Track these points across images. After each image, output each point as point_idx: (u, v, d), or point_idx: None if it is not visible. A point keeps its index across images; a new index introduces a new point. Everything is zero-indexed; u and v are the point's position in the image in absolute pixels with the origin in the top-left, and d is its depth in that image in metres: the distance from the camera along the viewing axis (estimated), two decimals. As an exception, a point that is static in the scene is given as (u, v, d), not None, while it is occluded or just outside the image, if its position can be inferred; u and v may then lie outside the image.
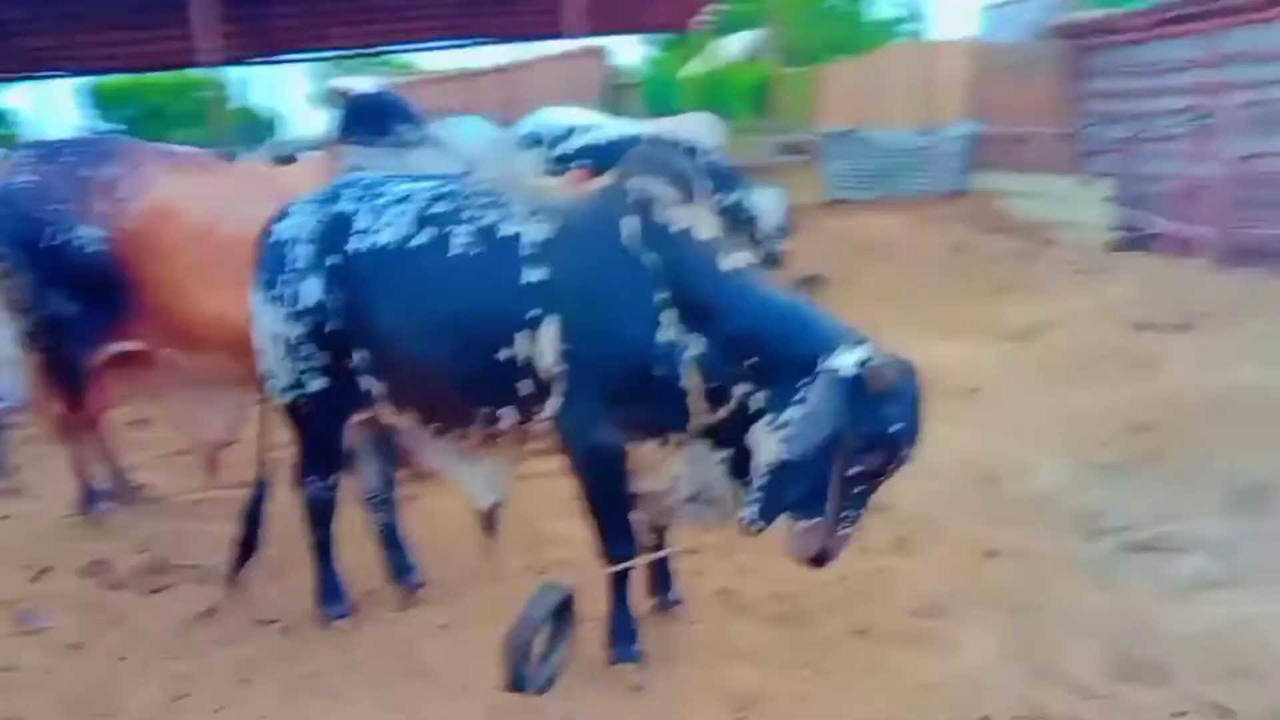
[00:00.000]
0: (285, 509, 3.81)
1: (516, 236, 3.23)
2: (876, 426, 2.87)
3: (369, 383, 3.45)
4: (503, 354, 3.18)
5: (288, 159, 5.11)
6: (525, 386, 3.21)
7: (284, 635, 3.70)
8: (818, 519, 2.94)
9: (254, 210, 4.40)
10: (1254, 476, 4.59)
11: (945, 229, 11.02)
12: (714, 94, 20.93)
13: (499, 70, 19.91)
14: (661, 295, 3.09)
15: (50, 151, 4.60)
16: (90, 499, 4.79)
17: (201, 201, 4.50)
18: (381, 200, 3.44)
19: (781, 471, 2.96)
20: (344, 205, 3.46)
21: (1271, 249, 8.61)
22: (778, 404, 2.98)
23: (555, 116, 8.86)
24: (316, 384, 3.50)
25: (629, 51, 28.73)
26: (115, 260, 4.44)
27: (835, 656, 3.34)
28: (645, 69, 29.24)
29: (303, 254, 3.45)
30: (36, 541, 4.50)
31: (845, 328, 3.00)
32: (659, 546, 3.52)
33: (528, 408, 3.25)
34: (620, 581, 3.34)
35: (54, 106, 26.15)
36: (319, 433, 3.64)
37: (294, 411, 3.60)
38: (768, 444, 2.99)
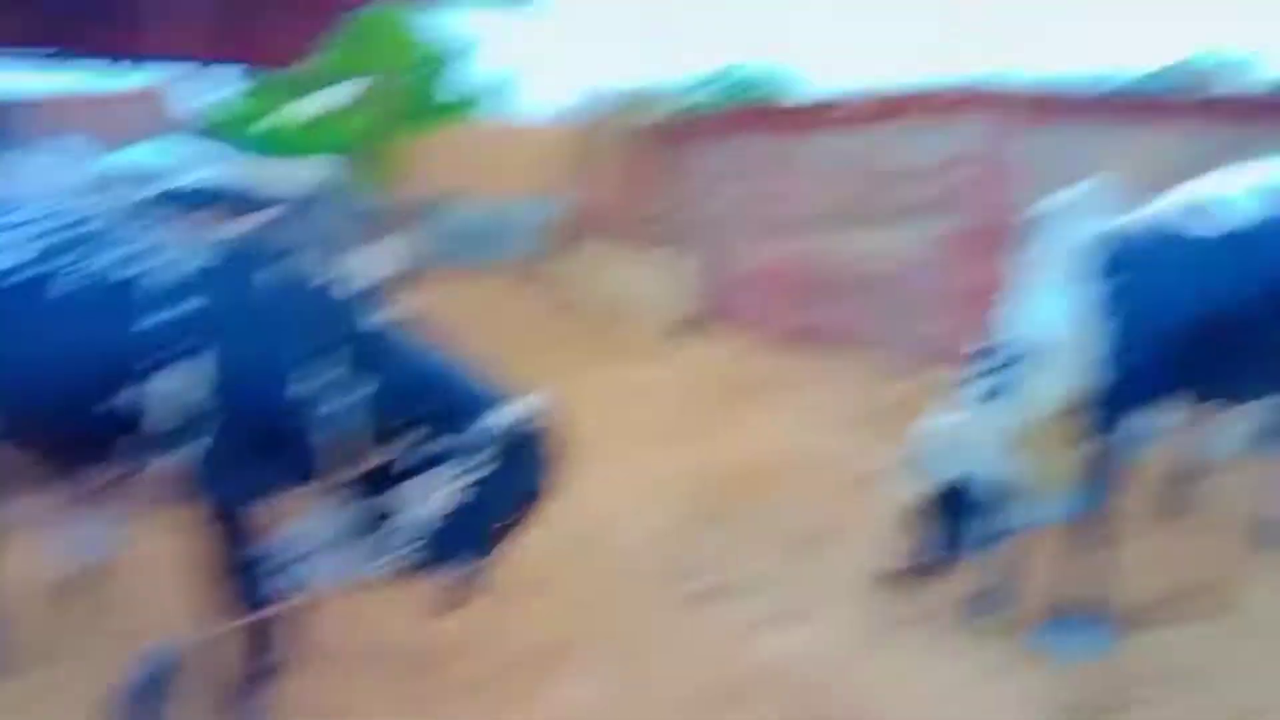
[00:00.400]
0: None
1: (144, 278, 3.11)
2: (531, 479, 3.12)
3: None
4: (120, 400, 3.04)
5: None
6: (144, 432, 3.08)
7: None
8: (471, 565, 3.12)
9: None
10: (803, 526, 5.30)
11: (536, 299, 11.61)
12: (305, 142, 20.47)
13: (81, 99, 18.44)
14: (308, 346, 3.12)
15: None
16: None
17: None
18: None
19: (451, 520, 3.11)
20: None
21: (808, 332, 9.92)
22: (442, 456, 3.13)
23: (149, 152, 8.38)
24: None
25: (215, 88, 27.53)
26: None
27: (456, 705, 3.46)
28: (229, 109, 28.11)
29: None
30: None
31: (494, 383, 3.21)
32: (270, 603, 3.48)
33: (141, 457, 3.12)
34: (245, 639, 3.27)
35: None
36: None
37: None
38: (433, 495, 3.12)
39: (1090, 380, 4.19)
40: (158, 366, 3.02)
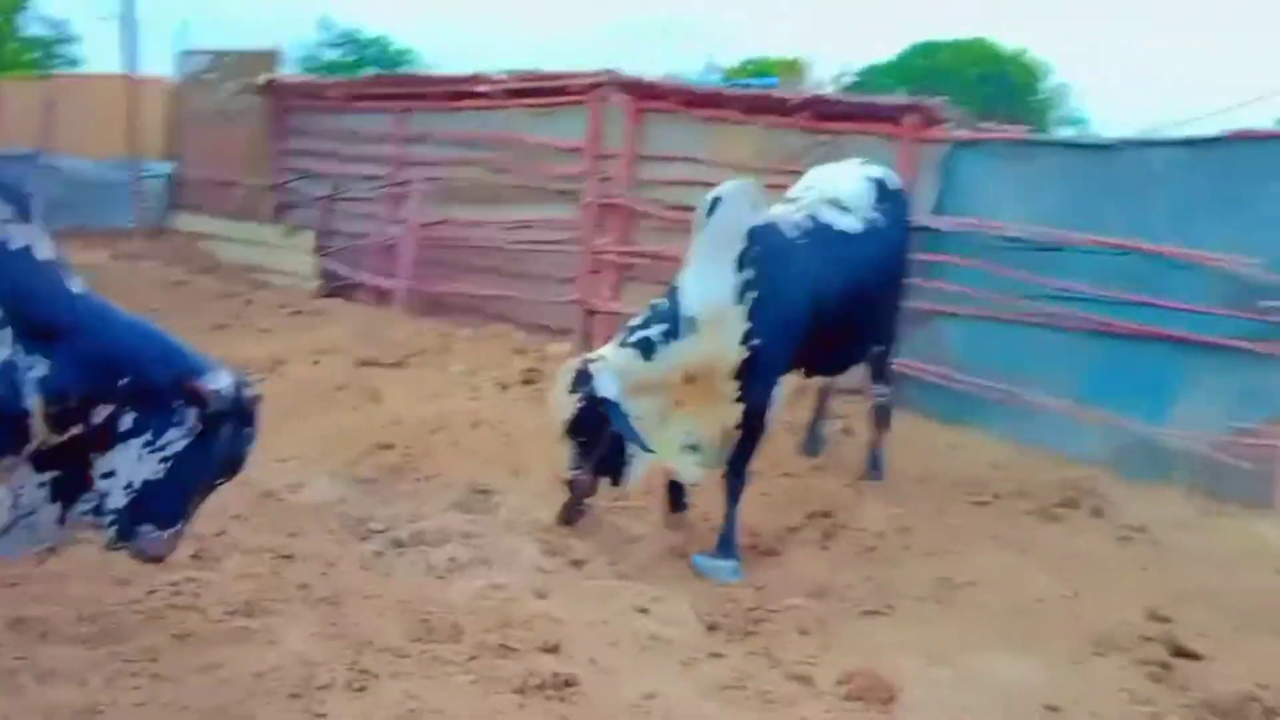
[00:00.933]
0: None
1: None
2: (241, 444, 3.18)
3: None
4: None
5: None
6: None
7: None
8: (177, 526, 3.13)
9: None
10: (472, 481, 5.60)
11: (155, 267, 10.93)
12: None
13: None
14: None
15: None
16: None
17: None
18: None
19: (157, 488, 3.10)
20: None
21: (449, 302, 10.19)
22: (149, 424, 3.10)
23: None
24: None
25: None
26: None
27: (163, 663, 3.43)
28: None
29: None
30: None
31: (196, 351, 3.22)
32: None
33: None
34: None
35: None
36: None
37: None
38: (140, 463, 3.09)
39: (736, 352, 4.84)
40: None
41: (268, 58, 13.37)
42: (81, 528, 3.24)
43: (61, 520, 3.22)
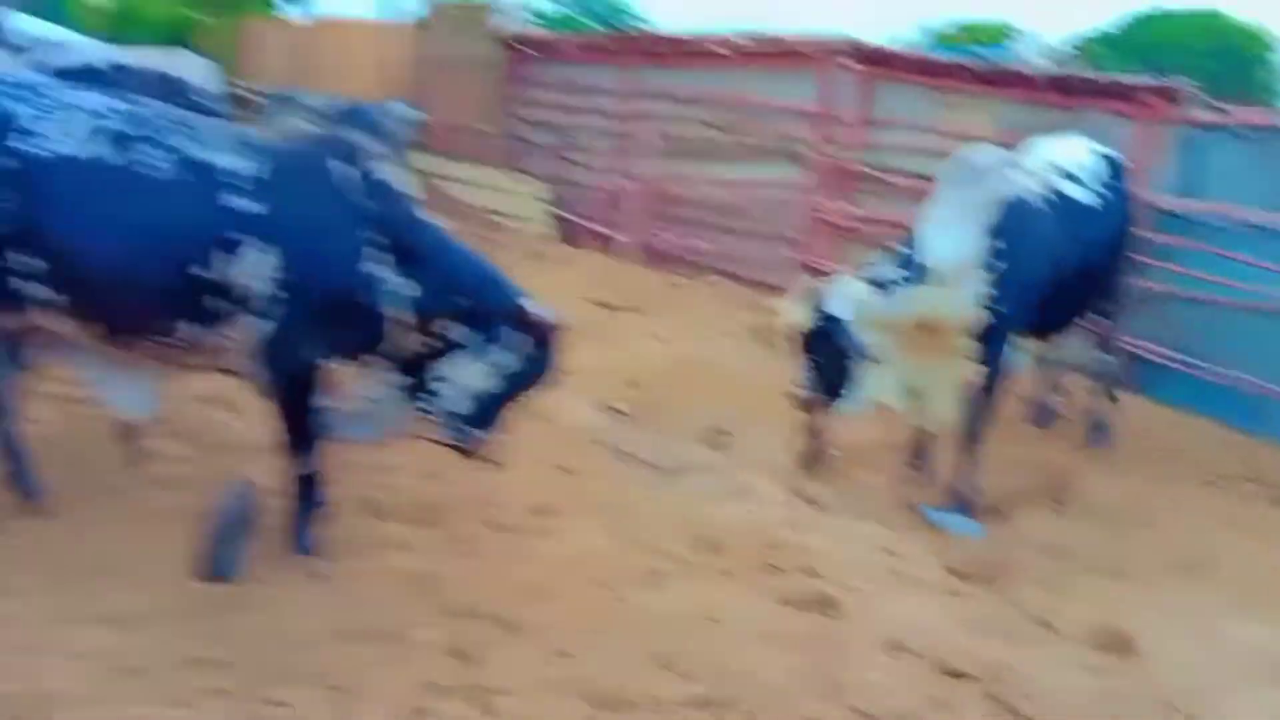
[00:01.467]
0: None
1: (219, 167, 3.41)
2: (548, 363, 3.70)
3: (32, 288, 3.34)
4: (195, 272, 3.36)
5: None
6: (213, 304, 3.41)
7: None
8: (491, 430, 3.69)
9: None
10: (713, 423, 6.01)
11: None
12: (122, 24, 19.39)
13: None
14: (369, 235, 3.53)
15: None
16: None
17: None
18: (46, 103, 3.36)
19: (480, 395, 3.64)
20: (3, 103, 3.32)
21: (672, 255, 10.63)
22: (480, 341, 3.64)
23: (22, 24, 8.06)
24: None
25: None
26: None
27: (481, 546, 3.99)
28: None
29: None
30: None
31: (512, 282, 3.75)
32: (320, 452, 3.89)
33: (210, 324, 3.45)
34: (304, 484, 3.68)
35: None
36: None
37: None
38: (469, 373, 3.63)
39: (973, 312, 5.06)
40: (235, 244, 3.36)
41: (505, 8, 14.07)
42: (416, 422, 3.82)
43: (402, 413, 3.81)
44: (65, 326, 3.42)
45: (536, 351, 3.79)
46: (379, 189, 3.63)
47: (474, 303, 3.72)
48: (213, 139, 3.49)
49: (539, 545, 4.02)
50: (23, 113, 3.31)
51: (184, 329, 3.45)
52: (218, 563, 3.42)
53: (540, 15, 15.69)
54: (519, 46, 13.08)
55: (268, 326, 3.44)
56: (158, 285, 3.38)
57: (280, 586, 3.48)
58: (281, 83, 14.58)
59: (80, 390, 4.12)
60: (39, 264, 3.29)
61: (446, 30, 14.43)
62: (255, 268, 3.37)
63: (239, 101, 14.66)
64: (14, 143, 3.26)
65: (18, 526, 3.62)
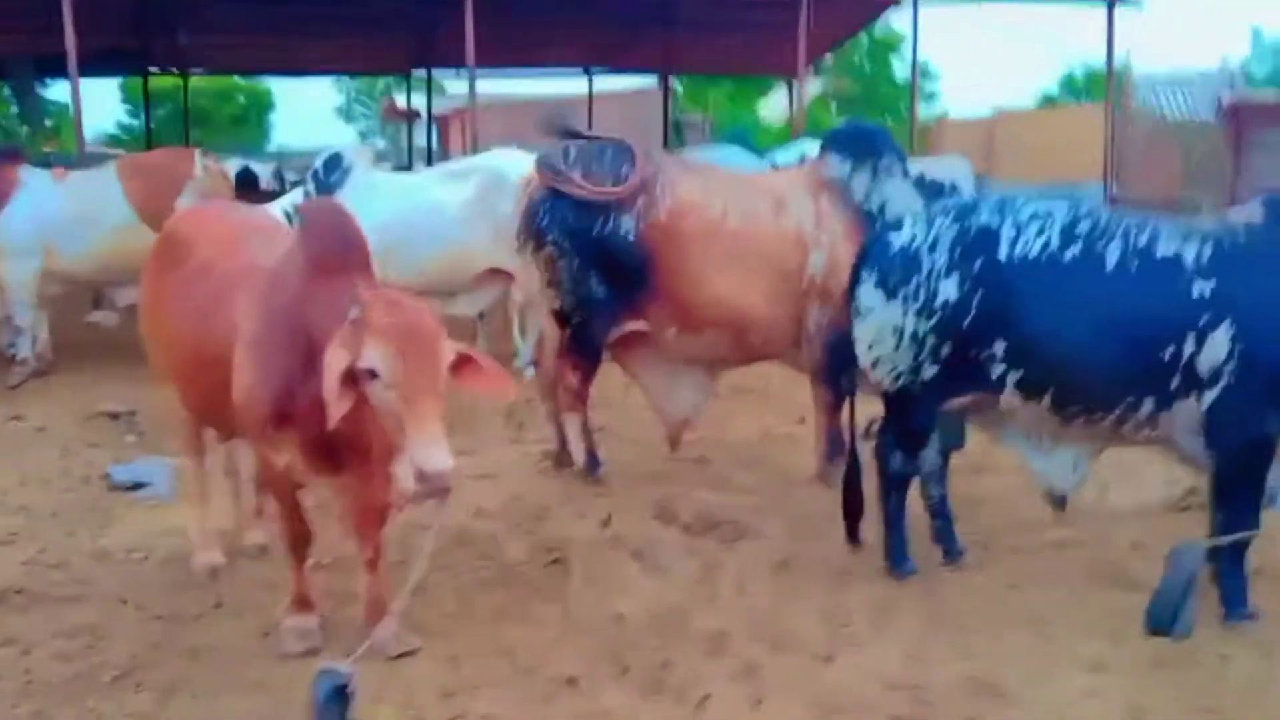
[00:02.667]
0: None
1: (1178, 255, 3.83)
2: None
3: (999, 370, 3.99)
4: (1166, 353, 3.78)
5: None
6: (1174, 381, 3.81)
7: (872, 583, 4.24)
8: None
9: (753, 207, 5.07)
10: None
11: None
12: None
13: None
14: None
15: (596, 153, 5.16)
16: (593, 463, 5.33)
17: (713, 199, 5.10)
18: (1023, 216, 4.02)
19: None
20: (986, 219, 4.03)
21: None
22: None
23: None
24: (930, 371, 4.06)
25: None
26: (643, 248, 5.03)
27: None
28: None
29: (942, 259, 4.01)
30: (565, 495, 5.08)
31: None
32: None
33: (1168, 399, 3.84)
34: (1236, 552, 3.89)
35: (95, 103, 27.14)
36: (916, 415, 4.20)
37: (898, 395, 4.17)
38: None
39: None
40: (1204, 325, 3.74)
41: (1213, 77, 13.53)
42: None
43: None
44: (1013, 403, 4.05)
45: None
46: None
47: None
48: (1155, 231, 3.93)
49: None
50: (1004, 224, 4.00)
51: (1143, 408, 3.88)
52: (1172, 618, 3.76)
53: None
54: (1247, 114, 12.51)
55: (1220, 400, 3.79)
56: (1127, 368, 3.84)
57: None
58: (999, 175, 15.40)
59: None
60: (1006, 350, 3.97)
61: (1155, 105, 14.24)
62: (1217, 346, 3.75)
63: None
64: (997, 251, 3.98)
65: (950, 577, 4.31)
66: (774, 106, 28.67)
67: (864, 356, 4.21)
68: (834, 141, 5.41)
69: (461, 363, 3.13)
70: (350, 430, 3.12)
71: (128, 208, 7.53)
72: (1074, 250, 3.91)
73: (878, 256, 4.16)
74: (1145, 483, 5.29)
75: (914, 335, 4.03)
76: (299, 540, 3.55)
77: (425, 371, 2.95)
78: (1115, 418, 3.94)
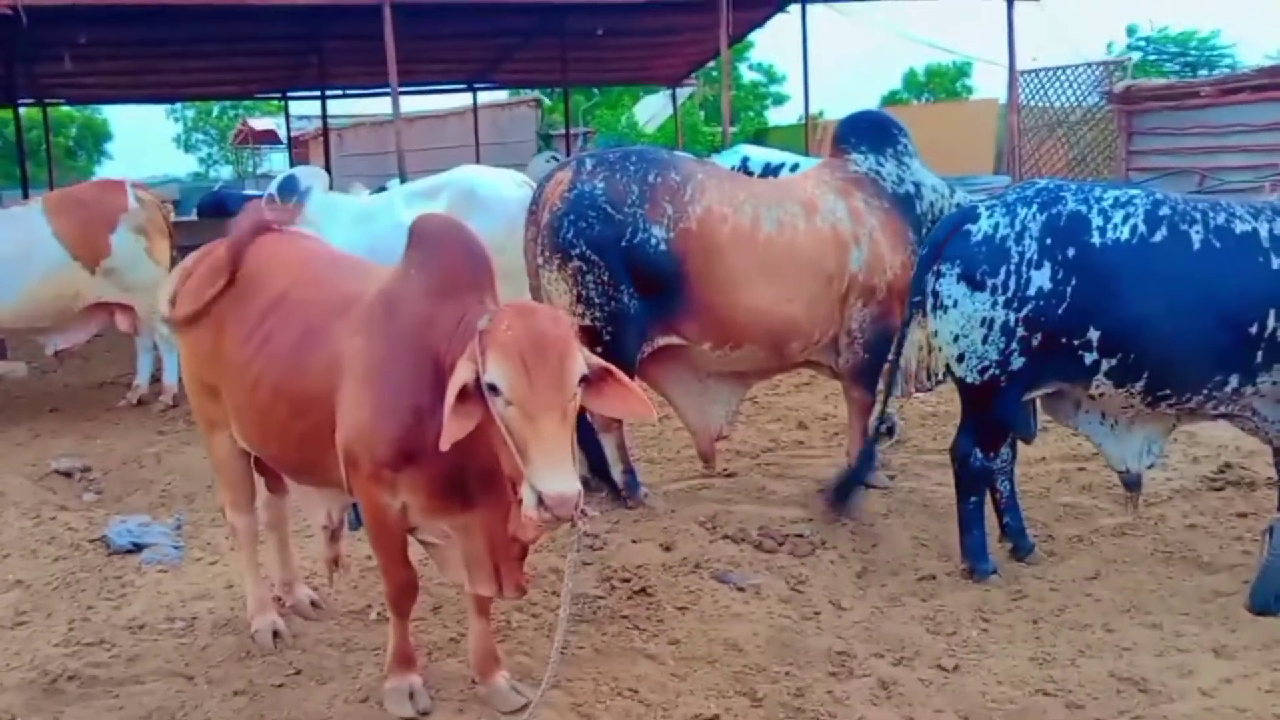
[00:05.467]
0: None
1: (1254, 232, 3.87)
2: None
3: (1091, 358, 3.95)
4: (1252, 328, 3.81)
5: (774, 169, 5.60)
6: (1258, 355, 3.84)
7: (957, 586, 4.16)
8: None
9: (785, 216, 4.94)
10: None
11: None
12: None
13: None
14: None
15: (618, 160, 4.94)
16: (632, 484, 5.11)
17: (743, 207, 4.94)
18: (1107, 202, 4.00)
19: None
20: (1074, 205, 4.00)
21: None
22: None
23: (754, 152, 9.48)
24: (1018, 363, 4.01)
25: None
26: (674, 259, 4.83)
27: None
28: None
29: (1032, 248, 3.95)
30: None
31: None
32: None
33: (1252, 374, 3.87)
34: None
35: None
36: (1000, 408, 4.13)
37: (981, 389, 4.10)
38: None
39: None
40: None
41: (1108, 68, 14.11)
42: None
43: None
44: (1103, 390, 4.02)
45: None
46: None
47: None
48: (1229, 210, 3.95)
49: None
50: (1090, 211, 3.97)
51: (1229, 384, 3.89)
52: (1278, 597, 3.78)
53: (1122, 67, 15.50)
54: (1134, 100, 13.04)
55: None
56: (1217, 346, 3.84)
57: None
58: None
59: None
60: (1101, 338, 3.93)
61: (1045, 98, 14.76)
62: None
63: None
64: (1089, 237, 3.93)
65: (1029, 572, 4.26)
66: (647, 114, 28.60)
67: (947, 351, 4.13)
68: (852, 134, 5.31)
69: (598, 380, 2.87)
70: (482, 460, 2.85)
71: (59, 246, 6.92)
72: (1161, 233, 3.91)
73: (959, 248, 4.08)
74: (1172, 463, 5.39)
75: (1004, 326, 3.97)
76: (405, 592, 3.25)
77: (551, 387, 2.67)
78: (1202, 397, 3.96)
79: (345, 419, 3.01)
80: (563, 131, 21.43)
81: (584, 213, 4.80)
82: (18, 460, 6.29)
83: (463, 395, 2.71)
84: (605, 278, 4.80)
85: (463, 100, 20.69)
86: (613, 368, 2.93)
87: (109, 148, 42.27)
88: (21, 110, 17.38)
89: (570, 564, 3.01)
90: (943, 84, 35.68)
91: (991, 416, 4.17)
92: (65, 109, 31.81)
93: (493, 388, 2.67)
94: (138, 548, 4.73)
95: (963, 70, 35.02)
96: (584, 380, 2.78)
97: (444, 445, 2.70)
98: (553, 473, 2.61)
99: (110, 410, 7.46)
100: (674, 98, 21.28)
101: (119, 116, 38.45)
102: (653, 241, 4.80)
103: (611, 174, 4.86)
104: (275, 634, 3.74)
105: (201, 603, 4.09)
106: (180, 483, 5.76)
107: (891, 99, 33.66)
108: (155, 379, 7.62)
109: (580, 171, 4.91)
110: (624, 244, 4.78)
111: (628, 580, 4.17)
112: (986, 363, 4.06)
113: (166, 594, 4.21)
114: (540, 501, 2.60)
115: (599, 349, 4.86)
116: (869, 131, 5.28)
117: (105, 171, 39.54)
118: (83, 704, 3.35)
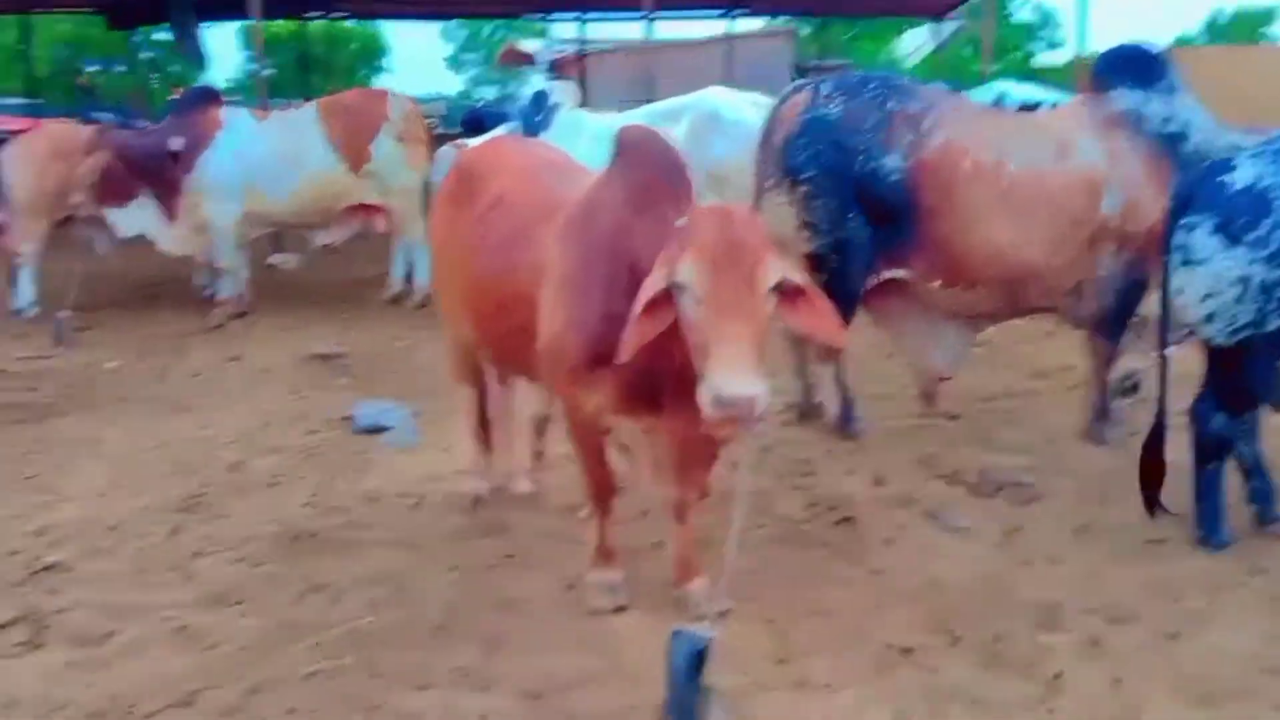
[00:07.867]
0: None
1: None
2: None
3: None
4: None
5: (1031, 106, 5.32)
6: None
7: (1188, 554, 3.91)
8: None
9: (1034, 154, 4.64)
10: None
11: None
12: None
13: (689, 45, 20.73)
14: None
15: (856, 84, 4.83)
16: (849, 417, 5.06)
17: (988, 142, 4.71)
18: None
19: None
20: None
21: None
22: None
23: (1012, 88, 9.04)
24: (1277, 322, 3.67)
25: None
26: (908, 190, 4.67)
27: None
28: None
29: None
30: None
31: None
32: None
33: None
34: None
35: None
36: (1252, 371, 3.80)
37: (1232, 351, 3.79)
38: None
39: None
40: None
41: None
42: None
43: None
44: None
45: None
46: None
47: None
48: None
49: None
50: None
51: None
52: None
53: None
54: None
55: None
56: None
57: None
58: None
59: None
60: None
61: None
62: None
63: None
64: None
65: (1274, 546, 3.95)
66: (910, 46, 27.58)
67: (1195, 309, 3.84)
68: (1113, 69, 4.93)
69: (792, 294, 2.80)
70: (672, 364, 2.87)
71: (329, 148, 7.43)
72: None
73: (1213, 199, 3.77)
74: None
75: (1262, 285, 3.66)
76: (604, 490, 3.36)
77: (740, 289, 2.62)
78: None
79: (544, 320, 3.12)
80: (816, 64, 20.98)
81: (817, 136, 4.72)
82: (284, 343, 6.87)
83: (654, 301, 2.73)
84: (834, 204, 4.71)
85: (708, 28, 20.55)
86: (809, 286, 2.87)
87: (386, 63, 44.67)
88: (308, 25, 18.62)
89: (744, 467, 3.01)
90: (1243, 31, 32.83)
91: (1240, 381, 3.86)
92: (347, 25, 33.81)
93: (683, 285, 2.68)
94: (379, 429, 5.10)
95: (1266, 16, 32.05)
96: (778, 289, 2.74)
97: (624, 354, 2.74)
98: (732, 373, 2.57)
99: (366, 304, 8.02)
100: (938, 31, 20.43)
101: (397, 36, 40.43)
102: (886, 170, 4.66)
103: (849, 99, 4.74)
104: (477, 498, 3.96)
105: (432, 484, 4.38)
106: (424, 377, 6.09)
107: (1183, 42, 31.15)
108: (408, 278, 8.11)
109: (817, 94, 4.82)
110: (856, 171, 4.67)
111: (834, 508, 4.16)
112: (1239, 324, 3.75)
113: (401, 472, 4.53)
114: (714, 401, 2.57)
115: (823, 276, 4.85)
116: (1131, 66, 4.87)
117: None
118: (318, 558, 3.68)
